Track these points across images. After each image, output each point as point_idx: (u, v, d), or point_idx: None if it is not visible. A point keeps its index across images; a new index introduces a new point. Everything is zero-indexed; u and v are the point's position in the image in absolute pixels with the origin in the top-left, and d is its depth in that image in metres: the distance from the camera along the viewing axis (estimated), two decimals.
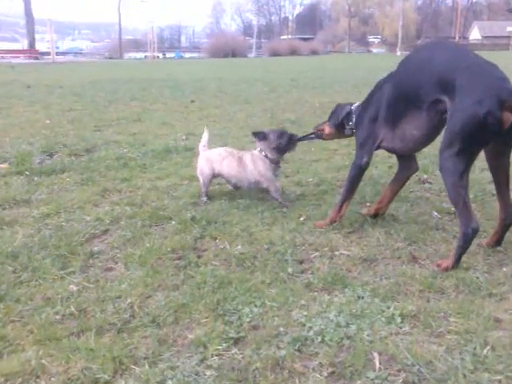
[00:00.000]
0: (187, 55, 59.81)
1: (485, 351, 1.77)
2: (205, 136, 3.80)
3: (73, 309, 2.12)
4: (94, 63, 35.32)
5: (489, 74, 2.32)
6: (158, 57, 46.57)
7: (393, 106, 2.75)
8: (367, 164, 2.94)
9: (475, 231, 2.36)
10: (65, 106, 8.85)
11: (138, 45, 66.20)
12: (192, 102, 9.59)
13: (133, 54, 57.58)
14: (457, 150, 2.31)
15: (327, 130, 3.31)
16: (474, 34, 68.92)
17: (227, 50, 48.87)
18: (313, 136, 3.50)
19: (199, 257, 2.66)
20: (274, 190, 3.46)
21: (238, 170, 3.51)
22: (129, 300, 2.19)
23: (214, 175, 3.64)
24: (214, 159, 3.60)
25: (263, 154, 3.47)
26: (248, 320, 2.03)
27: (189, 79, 16.09)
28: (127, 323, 2.03)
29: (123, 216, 3.24)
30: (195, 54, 59.13)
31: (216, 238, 2.89)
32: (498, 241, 2.67)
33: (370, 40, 74.04)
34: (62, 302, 2.17)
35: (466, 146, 2.30)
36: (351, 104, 3.16)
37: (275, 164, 3.51)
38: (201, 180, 3.64)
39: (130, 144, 5.49)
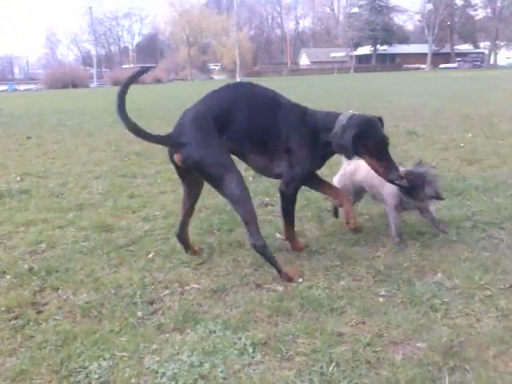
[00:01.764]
0: (22, 87, 55.63)
1: (330, 369, 1.87)
2: None
3: None
4: None
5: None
6: None
7: None
8: None
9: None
10: None
11: None
12: (28, 138, 8.92)
13: None
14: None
15: None
16: (304, 60, 74.97)
17: (66, 81, 46.54)
18: None
19: (39, 312, 2.43)
20: None
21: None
22: None
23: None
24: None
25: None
26: (96, 377, 1.90)
27: (24, 113, 14.99)
28: None
29: None
30: (31, 86, 55.28)
31: (58, 289, 2.68)
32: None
33: (211, 67, 76.21)
34: None
35: None
36: None
37: None
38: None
39: None
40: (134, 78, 2.80)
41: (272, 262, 2.67)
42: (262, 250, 2.64)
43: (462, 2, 67.61)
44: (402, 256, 2.88)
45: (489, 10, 67.51)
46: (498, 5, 64.36)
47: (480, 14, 70.24)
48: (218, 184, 2.67)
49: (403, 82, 26.17)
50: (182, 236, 3.08)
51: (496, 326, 2.10)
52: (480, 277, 2.52)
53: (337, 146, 2.83)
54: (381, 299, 2.40)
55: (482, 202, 3.78)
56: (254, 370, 1.90)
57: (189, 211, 3.07)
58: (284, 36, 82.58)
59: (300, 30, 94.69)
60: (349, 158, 2.89)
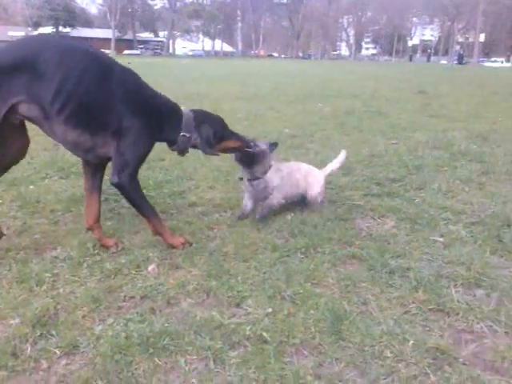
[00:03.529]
0: None
1: None
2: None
3: None
4: None
5: None
6: None
7: None
8: None
9: None
10: None
11: None
12: None
13: None
14: None
15: None
16: None
17: None
18: None
19: None
20: None
21: None
22: None
23: None
24: None
25: None
26: None
27: None
28: None
29: None
30: None
31: None
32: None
33: None
34: None
35: None
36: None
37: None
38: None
39: None
40: None
41: None
42: None
43: None
44: (24, 237, 2.77)
45: (165, 1, 72.14)
46: None
47: (158, 4, 74.57)
48: None
49: None
50: None
51: (96, 287, 2.20)
52: (93, 245, 2.61)
53: (200, 147, 2.67)
54: None
55: None
56: None
57: None
58: None
59: None
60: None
